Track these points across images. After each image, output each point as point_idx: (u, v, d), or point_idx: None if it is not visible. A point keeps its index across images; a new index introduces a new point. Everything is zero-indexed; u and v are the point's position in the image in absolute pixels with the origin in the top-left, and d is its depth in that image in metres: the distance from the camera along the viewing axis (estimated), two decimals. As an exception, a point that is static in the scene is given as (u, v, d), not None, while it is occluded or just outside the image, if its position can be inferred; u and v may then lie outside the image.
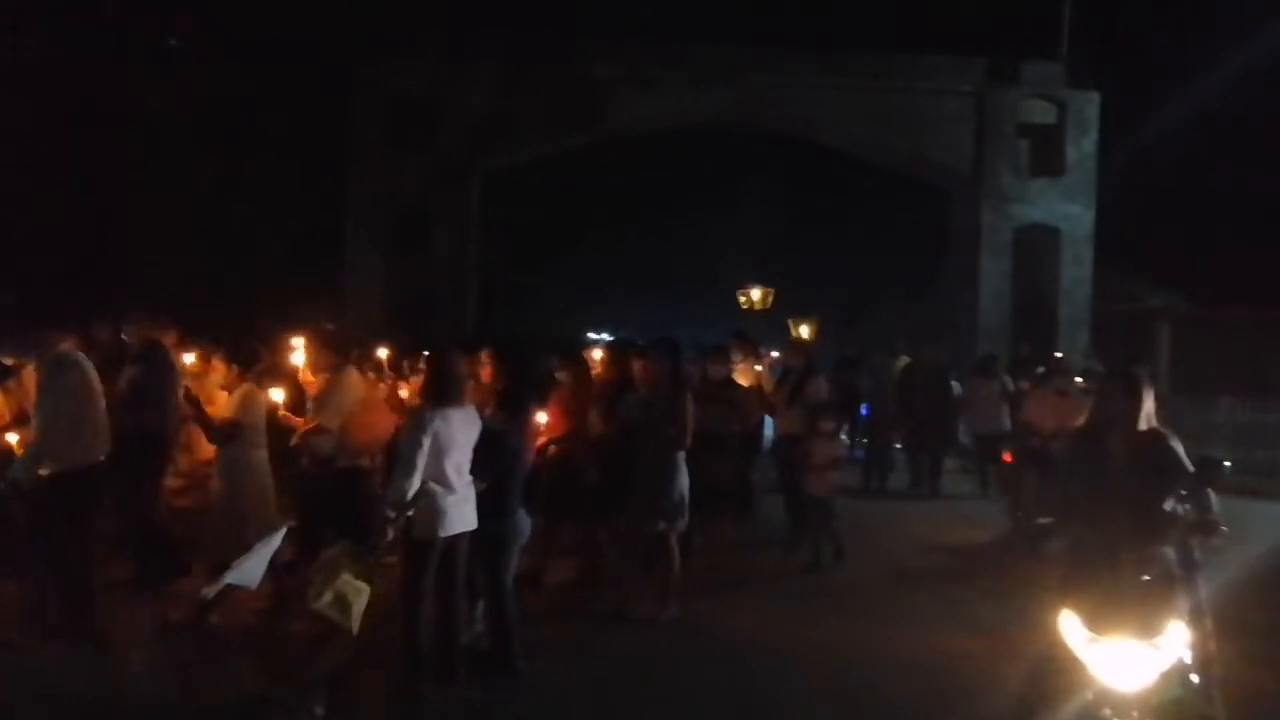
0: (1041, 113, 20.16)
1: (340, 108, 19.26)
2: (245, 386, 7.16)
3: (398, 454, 5.68)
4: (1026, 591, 6.72)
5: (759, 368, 11.44)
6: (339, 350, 7.34)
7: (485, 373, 6.53)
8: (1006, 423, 12.57)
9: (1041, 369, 12.47)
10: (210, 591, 5.81)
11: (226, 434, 7.04)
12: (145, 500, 7.52)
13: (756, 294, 11.04)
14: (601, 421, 7.64)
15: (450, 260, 19.72)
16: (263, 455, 7.22)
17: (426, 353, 6.71)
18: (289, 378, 7.66)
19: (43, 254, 15.04)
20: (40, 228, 15.04)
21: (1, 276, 14.00)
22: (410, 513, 5.50)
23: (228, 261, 17.76)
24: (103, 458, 6.32)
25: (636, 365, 7.59)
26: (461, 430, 5.76)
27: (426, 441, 5.55)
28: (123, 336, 8.11)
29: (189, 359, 8.36)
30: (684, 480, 7.26)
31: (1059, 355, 15.26)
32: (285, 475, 7.44)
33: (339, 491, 7.01)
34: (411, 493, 5.48)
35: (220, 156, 17.38)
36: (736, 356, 10.40)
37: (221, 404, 7.40)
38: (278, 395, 7.36)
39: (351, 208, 19.43)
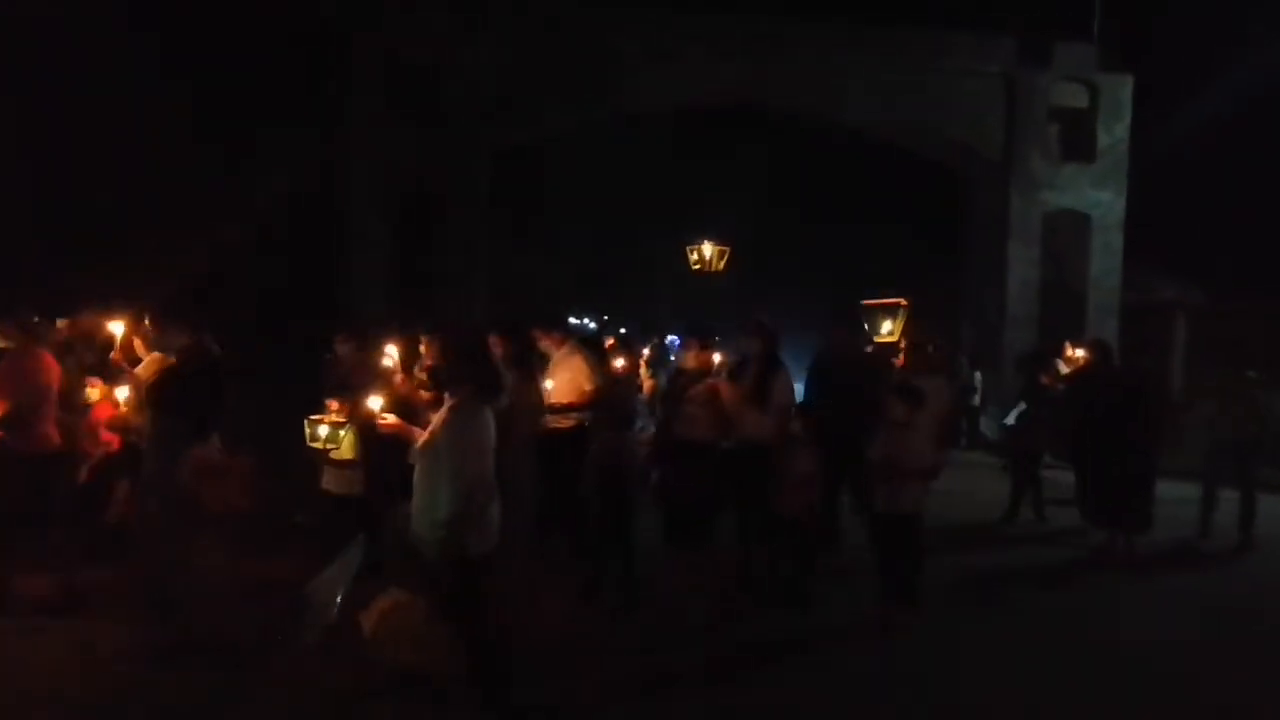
0: (1073, 95, 19.53)
1: (341, 75, 18.31)
2: None
3: (447, 462, 4.82)
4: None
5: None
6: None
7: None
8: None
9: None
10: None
11: None
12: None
13: (708, 250, 9.17)
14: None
15: (458, 239, 18.84)
16: None
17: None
18: None
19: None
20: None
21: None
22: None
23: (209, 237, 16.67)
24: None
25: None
26: (492, 425, 5.02)
27: (475, 443, 4.82)
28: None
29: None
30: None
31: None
32: None
33: None
34: (468, 505, 4.73)
35: (206, 121, 16.34)
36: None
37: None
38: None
39: (353, 183, 18.49)
